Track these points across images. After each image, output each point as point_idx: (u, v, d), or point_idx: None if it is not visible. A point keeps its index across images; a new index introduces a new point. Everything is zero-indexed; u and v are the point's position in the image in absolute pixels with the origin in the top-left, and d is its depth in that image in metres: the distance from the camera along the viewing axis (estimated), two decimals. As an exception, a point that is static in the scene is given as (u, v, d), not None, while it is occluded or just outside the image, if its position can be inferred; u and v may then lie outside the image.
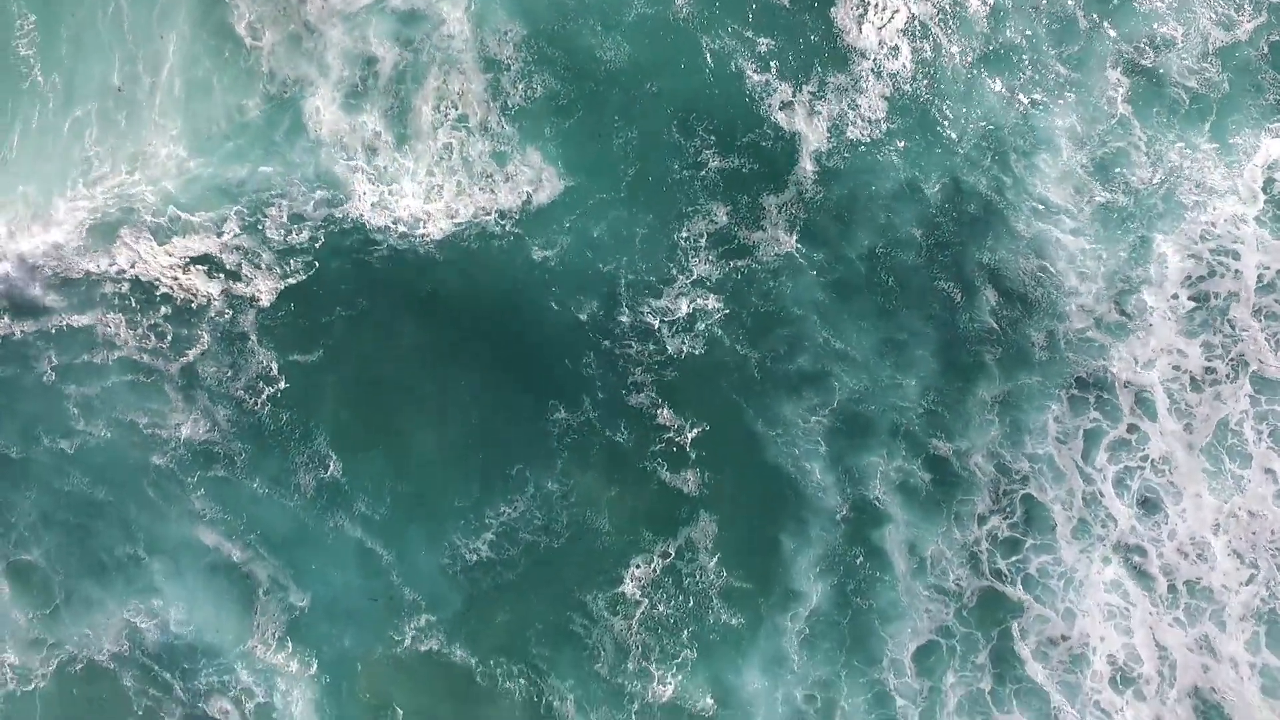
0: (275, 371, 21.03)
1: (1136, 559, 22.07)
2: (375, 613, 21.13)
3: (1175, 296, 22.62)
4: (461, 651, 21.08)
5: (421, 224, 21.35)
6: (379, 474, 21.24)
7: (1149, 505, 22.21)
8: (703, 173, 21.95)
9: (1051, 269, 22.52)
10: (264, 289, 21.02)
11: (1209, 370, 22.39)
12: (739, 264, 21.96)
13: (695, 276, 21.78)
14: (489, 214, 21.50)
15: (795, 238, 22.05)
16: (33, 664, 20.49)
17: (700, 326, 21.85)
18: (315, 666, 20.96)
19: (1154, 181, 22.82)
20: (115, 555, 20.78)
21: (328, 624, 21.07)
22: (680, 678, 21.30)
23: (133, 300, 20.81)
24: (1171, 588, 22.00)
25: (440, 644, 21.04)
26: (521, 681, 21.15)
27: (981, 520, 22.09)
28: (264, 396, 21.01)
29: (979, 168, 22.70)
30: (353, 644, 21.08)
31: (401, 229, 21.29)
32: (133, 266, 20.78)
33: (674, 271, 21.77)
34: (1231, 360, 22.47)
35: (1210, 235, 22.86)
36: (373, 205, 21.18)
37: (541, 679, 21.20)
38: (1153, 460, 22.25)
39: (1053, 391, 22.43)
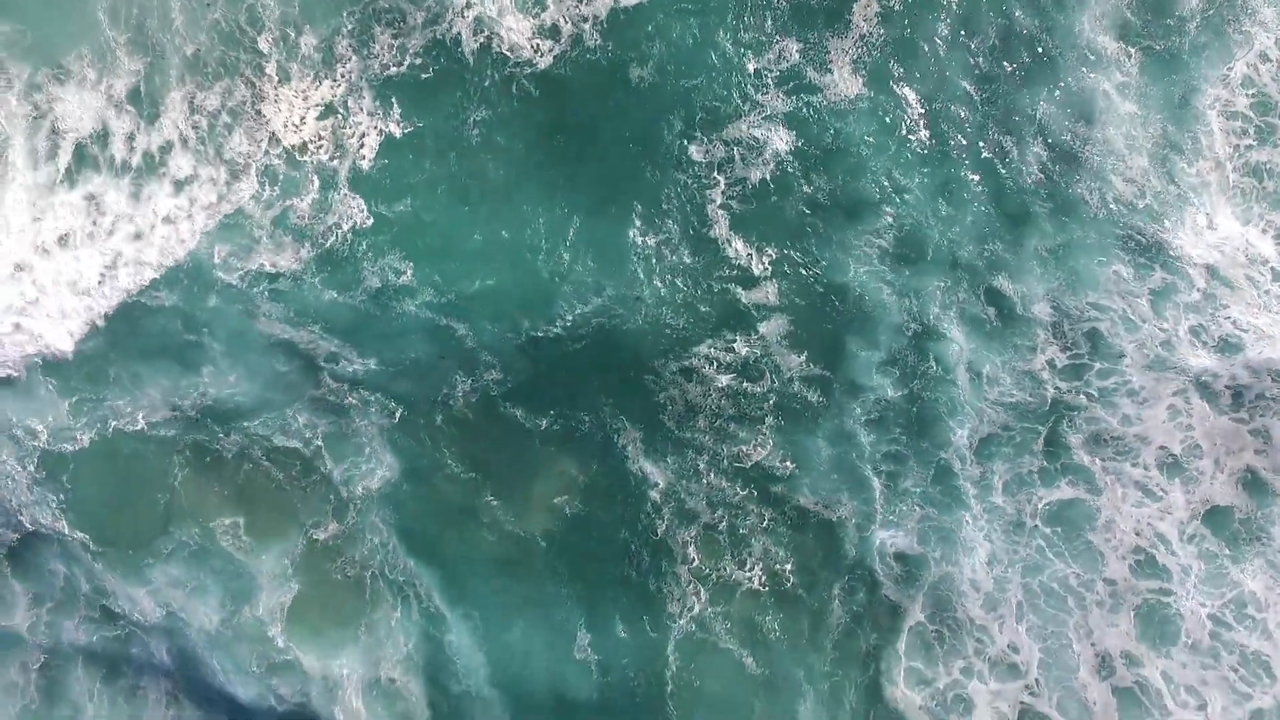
0: (359, 210, 21.72)
1: (1206, 379, 23.22)
2: (441, 369, 22.21)
3: (1223, 168, 23.18)
4: (525, 406, 22.38)
5: (524, 53, 21.88)
6: (452, 276, 22.13)
7: (1228, 347, 23.18)
8: (775, 4, 22.68)
9: (1099, 133, 23.13)
10: (368, 132, 21.65)
11: (1285, 257, 22.85)
12: (808, 100, 22.67)
13: (768, 112, 22.56)
14: (585, 22, 22.12)
15: (860, 80, 22.70)
16: (69, 435, 21.20)
17: (769, 156, 22.65)
18: (385, 410, 22.12)
19: (1205, 14, 23.06)
20: (173, 341, 21.52)
21: (394, 379, 22.10)
22: (759, 437, 22.86)
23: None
24: (1236, 395, 23.29)
25: (506, 395, 22.28)
26: (587, 428, 22.58)
27: (1043, 349, 23.28)
28: (345, 229, 21.67)
29: (1033, 5, 23.29)
30: (420, 393, 22.21)
31: (505, 53, 21.79)
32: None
33: (746, 106, 22.52)
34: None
35: (1252, 84, 23.16)
36: (474, 20, 21.60)
37: (609, 426, 22.62)
38: (1233, 319, 23.16)
39: (1111, 250, 23.17)
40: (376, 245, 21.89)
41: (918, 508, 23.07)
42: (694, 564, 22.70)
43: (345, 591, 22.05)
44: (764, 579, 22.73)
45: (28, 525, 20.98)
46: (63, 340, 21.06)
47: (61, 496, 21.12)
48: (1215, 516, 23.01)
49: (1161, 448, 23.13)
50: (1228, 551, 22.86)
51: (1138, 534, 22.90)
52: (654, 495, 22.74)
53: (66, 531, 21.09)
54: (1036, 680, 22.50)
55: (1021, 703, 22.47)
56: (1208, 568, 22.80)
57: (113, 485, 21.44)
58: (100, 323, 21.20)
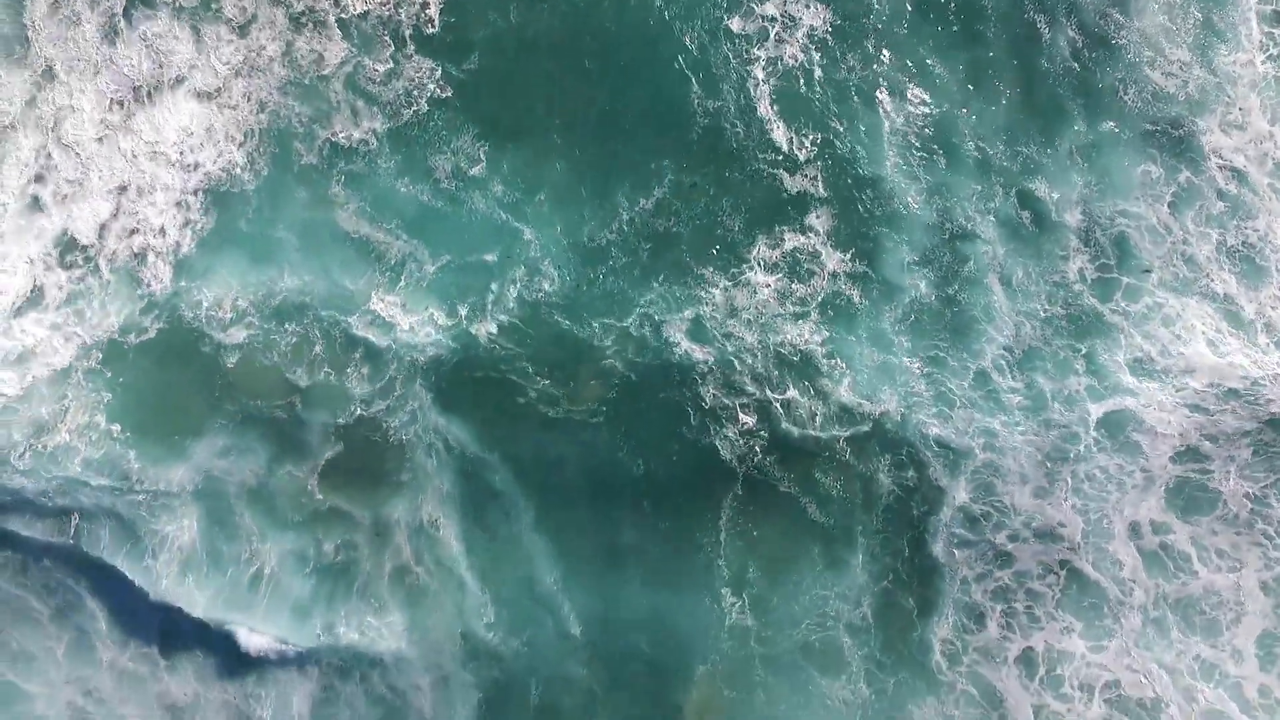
0: (431, 77, 21.90)
1: (1230, 307, 23.26)
2: (502, 267, 22.44)
3: (1257, 59, 23.11)
4: (571, 315, 22.62)
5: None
6: (520, 163, 22.30)
7: (1255, 271, 23.24)
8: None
9: (1134, 20, 23.21)
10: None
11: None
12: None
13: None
14: None
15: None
16: (139, 327, 21.46)
17: (803, 35, 22.73)
18: (447, 311, 22.38)
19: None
20: (252, 231, 21.73)
21: (458, 279, 22.38)
22: (803, 333, 22.99)
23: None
24: (1271, 333, 23.28)
25: (554, 305, 22.52)
26: (642, 331, 22.74)
27: (1074, 256, 23.28)
28: (422, 101, 21.88)
29: None
30: (478, 296, 22.45)
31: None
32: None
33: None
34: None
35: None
36: None
37: (658, 319, 22.76)
38: (1258, 231, 23.16)
39: (1142, 148, 23.17)
40: (451, 122, 22.07)
41: (961, 410, 23.16)
42: (745, 427, 22.95)
43: (387, 450, 22.38)
44: (819, 440, 22.98)
45: (64, 433, 21.14)
46: (157, 227, 21.26)
47: (110, 395, 21.32)
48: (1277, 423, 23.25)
49: (1212, 383, 23.23)
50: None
51: (1181, 434, 23.17)
52: (701, 367, 22.87)
53: (104, 424, 21.24)
54: (1079, 544, 23.01)
55: (1061, 560, 22.98)
56: (1257, 457, 23.03)
57: (170, 373, 21.64)
58: (189, 205, 21.41)
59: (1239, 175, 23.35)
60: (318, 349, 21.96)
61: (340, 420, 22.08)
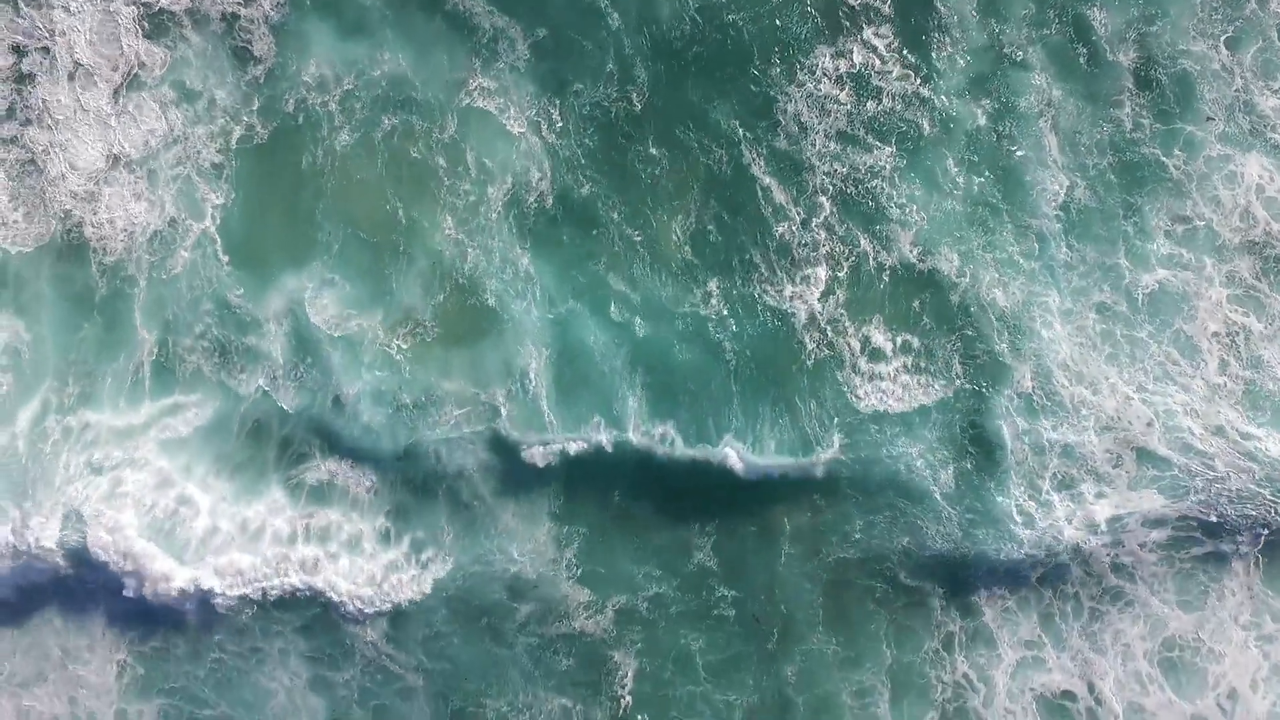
0: None
1: None
2: (589, 63, 22.50)
3: None
4: (652, 131, 22.54)
5: None
6: None
7: None
8: None
9: None
10: None
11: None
12: None
13: None
14: None
15: None
16: (249, 122, 21.70)
17: None
18: (545, 121, 22.32)
19: None
20: None
21: (553, 67, 22.32)
22: (878, 160, 22.68)
23: None
24: None
25: (633, 119, 22.48)
26: (712, 150, 22.55)
27: (1130, 100, 22.94)
28: None
29: None
30: (573, 86, 22.45)
31: None
32: None
33: None
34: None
35: None
36: None
37: (733, 146, 22.58)
38: None
39: None
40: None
41: (1017, 280, 22.61)
42: (818, 292, 22.56)
43: (478, 310, 22.10)
44: (881, 292, 22.51)
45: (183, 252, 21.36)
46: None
47: (220, 217, 21.48)
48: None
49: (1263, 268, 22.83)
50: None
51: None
52: (775, 198, 22.54)
53: (219, 244, 21.45)
54: (1149, 425, 22.28)
55: (1134, 446, 22.26)
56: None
57: (275, 187, 21.74)
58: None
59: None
60: (417, 154, 21.80)
61: (437, 276, 21.85)
